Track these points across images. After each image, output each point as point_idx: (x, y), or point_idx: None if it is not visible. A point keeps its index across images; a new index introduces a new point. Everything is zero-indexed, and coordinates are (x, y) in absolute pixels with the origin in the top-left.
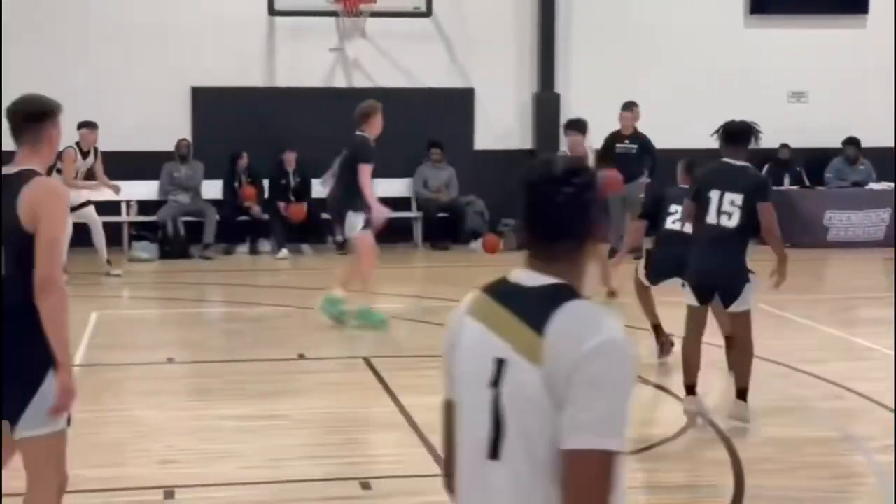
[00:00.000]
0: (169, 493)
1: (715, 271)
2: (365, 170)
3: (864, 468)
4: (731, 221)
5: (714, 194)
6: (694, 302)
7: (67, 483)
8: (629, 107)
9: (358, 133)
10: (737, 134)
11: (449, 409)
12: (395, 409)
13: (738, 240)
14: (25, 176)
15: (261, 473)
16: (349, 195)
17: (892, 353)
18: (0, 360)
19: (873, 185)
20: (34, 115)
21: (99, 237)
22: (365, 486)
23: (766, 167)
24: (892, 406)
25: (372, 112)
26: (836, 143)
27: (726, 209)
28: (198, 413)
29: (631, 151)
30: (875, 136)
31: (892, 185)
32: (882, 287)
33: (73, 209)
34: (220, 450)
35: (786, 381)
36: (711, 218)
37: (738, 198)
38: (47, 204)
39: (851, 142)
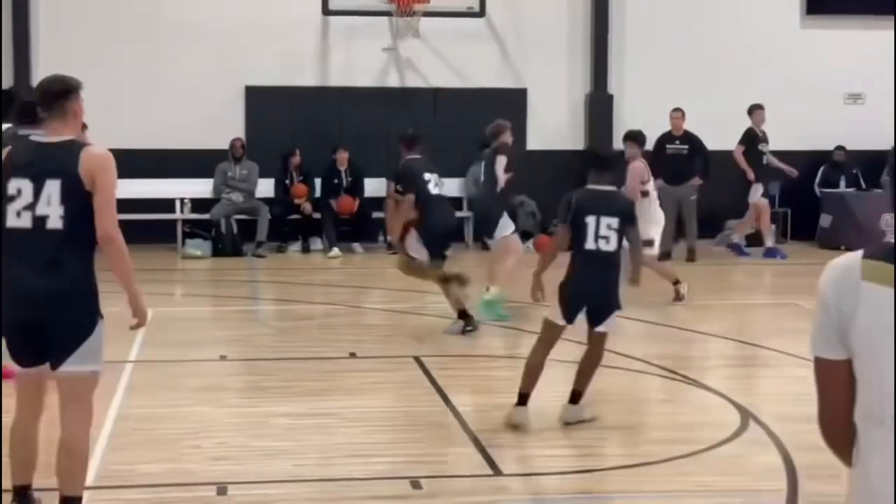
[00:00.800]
0: (222, 490)
1: (591, 294)
2: (501, 161)
3: None
4: (609, 245)
5: (590, 220)
6: (559, 320)
7: (93, 421)
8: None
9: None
10: (604, 160)
11: (831, 368)
12: (446, 409)
13: (614, 263)
14: (77, 143)
15: (312, 471)
16: (497, 199)
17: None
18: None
19: None
20: (60, 93)
21: None
22: (415, 485)
23: (821, 169)
24: None
25: (501, 131)
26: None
27: (603, 233)
28: (250, 410)
29: (682, 152)
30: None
31: None
32: None
33: None
34: (271, 447)
35: None
36: (590, 244)
37: (614, 221)
38: (104, 168)
39: None
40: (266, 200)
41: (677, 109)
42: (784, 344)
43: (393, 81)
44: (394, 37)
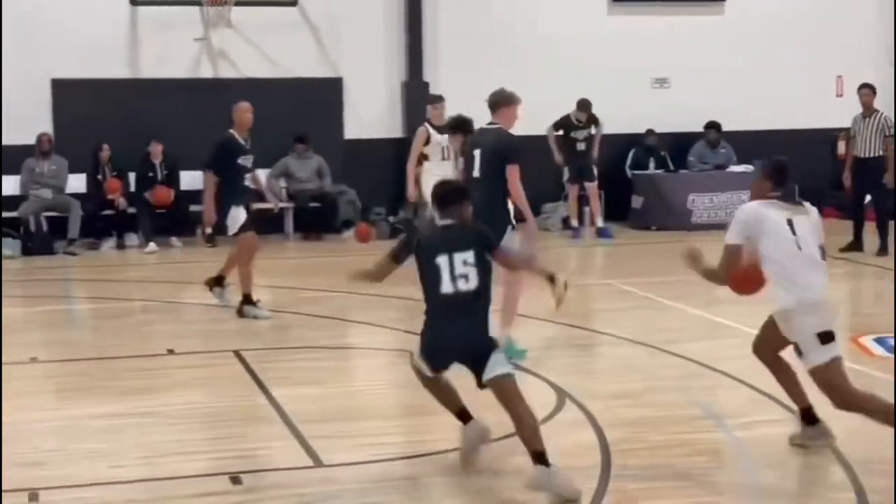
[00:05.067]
0: (33, 496)
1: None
2: (515, 171)
3: (725, 445)
4: None
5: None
6: None
7: None
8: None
9: (493, 125)
10: None
11: None
12: (266, 402)
13: None
14: None
15: (132, 472)
16: (499, 201)
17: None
18: None
19: (734, 168)
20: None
21: None
22: (235, 480)
23: (631, 152)
24: (754, 384)
25: (502, 101)
26: (698, 127)
27: None
28: (65, 413)
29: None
30: (735, 120)
31: (751, 167)
32: None
33: None
34: (89, 449)
35: (651, 362)
36: None
37: None
38: None
39: (712, 126)
40: (77, 196)
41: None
42: (598, 323)
43: (206, 72)
44: (205, 27)
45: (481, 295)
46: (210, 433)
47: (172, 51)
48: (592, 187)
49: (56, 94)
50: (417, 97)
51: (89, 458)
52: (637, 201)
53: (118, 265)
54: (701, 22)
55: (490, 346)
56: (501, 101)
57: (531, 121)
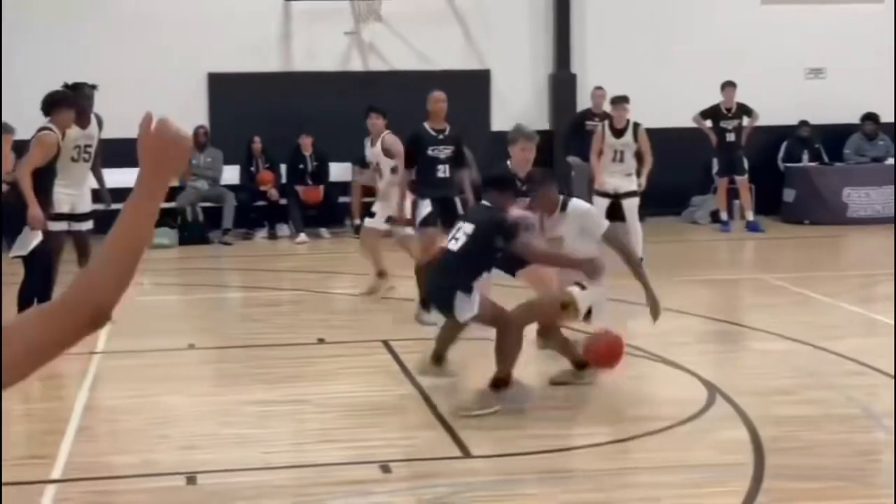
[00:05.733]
0: (191, 479)
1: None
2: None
3: (885, 445)
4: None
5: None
6: None
7: None
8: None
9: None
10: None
11: None
12: (415, 392)
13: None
14: None
15: (282, 458)
16: None
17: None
18: None
19: (892, 161)
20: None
21: None
22: (385, 469)
23: (783, 144)
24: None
25: (509, 141)
26: (855, 119)
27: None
28: (219, 399)
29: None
30: (893, 112)
31: None
32: None
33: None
34: (241, 435)
35: (807, 359)
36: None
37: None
38: None
39: (870, 117)
40: (231, 187)
41: (600, 88)
42: (749, 318)
43: (356, 65)
44: (356, 20)
45: (458, 261)
46: (359, 421)
47: (323, 44)
48: (743, 180)
49: (212, 88)
50: (565, 89)
51: (242, 443)
52: (789, 194)
53: (270, 255)
54: (858, 11)
55: (446, 296)
56: (508, 141)
57: (681, 112)
